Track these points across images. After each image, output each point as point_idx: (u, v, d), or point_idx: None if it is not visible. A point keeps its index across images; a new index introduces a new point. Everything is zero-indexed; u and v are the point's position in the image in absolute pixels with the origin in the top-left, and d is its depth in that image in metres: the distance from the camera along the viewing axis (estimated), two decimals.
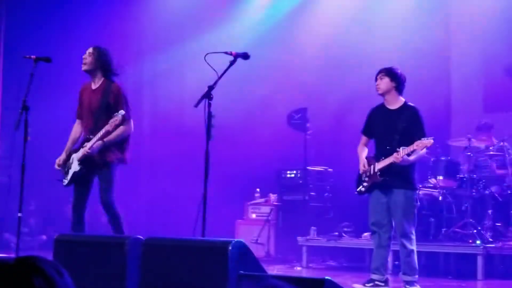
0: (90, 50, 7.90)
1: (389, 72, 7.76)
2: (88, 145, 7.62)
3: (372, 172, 7.74)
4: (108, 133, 7.59)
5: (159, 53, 14.50)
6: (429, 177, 10.91)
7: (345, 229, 11.39)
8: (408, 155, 7.49)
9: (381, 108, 7.91)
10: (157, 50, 14.55)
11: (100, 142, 7.61)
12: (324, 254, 11.59)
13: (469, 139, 10.47)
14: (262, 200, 12.66)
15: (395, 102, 7.80)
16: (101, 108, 7.79)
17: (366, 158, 7.90)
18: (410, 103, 7.81)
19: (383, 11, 12.67)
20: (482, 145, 10.76)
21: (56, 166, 7.95)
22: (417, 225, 10.45)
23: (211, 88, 6.81)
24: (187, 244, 5.68)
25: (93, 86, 7.93)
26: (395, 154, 7.45)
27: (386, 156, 7.58)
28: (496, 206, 10.33)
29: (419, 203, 8.02)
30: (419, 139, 7.44)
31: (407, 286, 7.68)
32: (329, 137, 12.40)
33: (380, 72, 7.81)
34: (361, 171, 7.89)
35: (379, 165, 7.65)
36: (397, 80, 7.78)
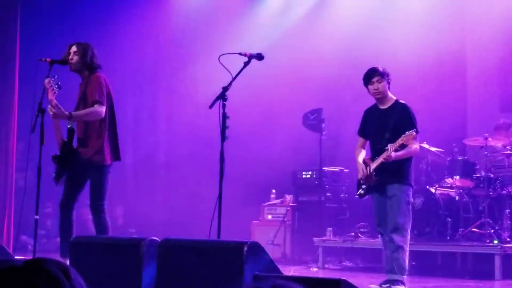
0: (74, 48, 7.86)
1: (384, 75, 7.68)
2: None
3: (368, 173, 7.67)
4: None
5: (174, 56, 14.54)
6: (445, 177, 10.87)
7: (361, 230, 11.37)
8: (398, 150, 7.42)
9: (374, 108, 7.90)
10: (173, 52, 14.58)
11: (66, 112, 7.60)
12: (340, 255, 11.58)
13: (486, 138, 10.39)
14: (278, 201, 12.65)
15: (387, 102, 7.77)
16: (80, 99, 7.82)
17: (364, 161, 7.82)
18: (401, 101, 7.76)
19: (400, 12, 12.63)
20: (499, 144, 10.71)
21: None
22: (434, 225, 10.50)
23: (225, 89, 6.84)
24: (203, 245, 5.70)
25: (81, 82, 7.95)
26: (384, 153, 7.39)
27: (379, 155, 7.53)
28: None
29: (413, 200, 7.92)
30: None
31: (390, 286, 7.42)
32: (344, 138, 12.35)
33: (374, 76, 7.69)
34: (359, 177, 7.84)
35: (373, 165, 7.60)
36: (389, 80, 7.75)
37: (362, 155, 7.93)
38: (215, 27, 13.80)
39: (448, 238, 10.36)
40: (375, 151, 7.70)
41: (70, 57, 7.84)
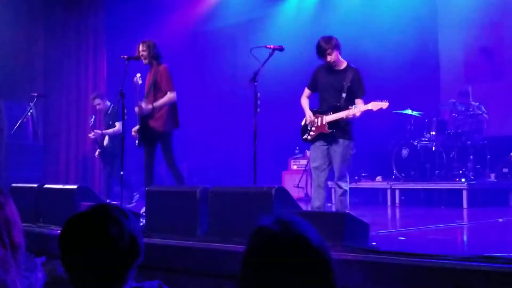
0: (143, 47, 7.78)
1: (335, 45, 6.71)
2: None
3: (319, 123, 6.83)
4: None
5: (220, 51, 14.44)
6: (424, 133, 10.74)
7: (362, 174, 11.38)
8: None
9: (327, 67, 6.87)
10: (219, 48, 14.49)
11: (150, 105, 7.63)
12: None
13: (454, 104, 10.31)
14: (301, 155, 12.63)
15: (341, 65, 6.84)
16: (151, 85, 7.74)
17: (311, 110, 6.99)
18: (352, 65, 6.86)
19: (384, 9, 12.25)
20: (462, 108, 10.49)
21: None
22: (417, 169, 10.37)
23: (255, 73, 6.71)
24: (242, 190, 5.67)
25: (150, 71, 7.89)
26: (347, 111, 6.60)
27: (335, 111, 6.70)
28: (476, 153, 10.19)
29: (355, 151, 6.98)
30: (360, 97, 6.68)
31: None
32: None
33: (328, 48, 6.67)
34: (308, 122, 6.96)
35: (328, 118, 6.74)
36: (339, 48, 6.79)
37: (307, 104, 7.11)
38: (248, 25, 13.64)
39: (427, 178, 10.28)
40: (331, 106, 6.79)
41: (140, 54, 7.79)
